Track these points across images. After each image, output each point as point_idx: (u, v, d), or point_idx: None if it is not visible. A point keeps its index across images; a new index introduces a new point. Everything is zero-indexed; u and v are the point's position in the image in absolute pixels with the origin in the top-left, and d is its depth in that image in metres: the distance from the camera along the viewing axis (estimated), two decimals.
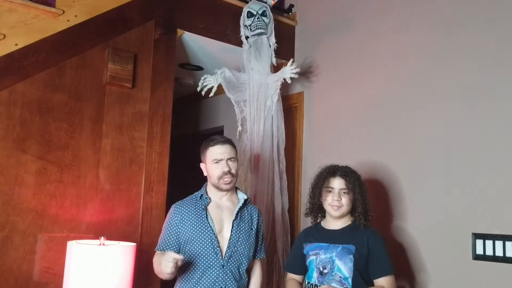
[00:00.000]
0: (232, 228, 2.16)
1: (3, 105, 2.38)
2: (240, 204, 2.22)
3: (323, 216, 2.32)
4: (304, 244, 2.28)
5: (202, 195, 2.22)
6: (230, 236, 2.14)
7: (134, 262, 2.22)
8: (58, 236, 2.45)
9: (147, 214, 2.72)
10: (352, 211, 2.24)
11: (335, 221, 2.25)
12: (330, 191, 2.22)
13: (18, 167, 2.39)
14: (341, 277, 2.09)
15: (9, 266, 2.31)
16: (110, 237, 2.34)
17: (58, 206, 2.48)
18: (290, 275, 2.35)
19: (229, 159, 2.19)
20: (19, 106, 2.42)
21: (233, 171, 2.19)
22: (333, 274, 2.11)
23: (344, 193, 2.20)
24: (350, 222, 2.24)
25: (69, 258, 2.15)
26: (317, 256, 2.18)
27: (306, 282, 2.23)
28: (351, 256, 2.10)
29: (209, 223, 2.13)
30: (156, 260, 2.12)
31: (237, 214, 2.19)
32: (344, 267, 2.10)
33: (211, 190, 2.24)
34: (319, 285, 2.13)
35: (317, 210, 2.32)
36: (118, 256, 2.15)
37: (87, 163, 2.59)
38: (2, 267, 2.30)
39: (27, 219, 2.38)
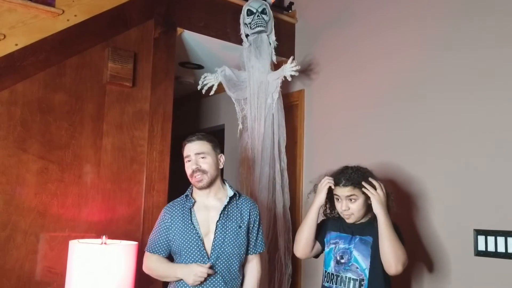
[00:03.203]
0: (216, 229, 2.10)
1: (4, 105, 2.39)
2: (225, 203, 2.15)
3: None
4: (328, 231, 2.28)
5: (187, 195, 2.19)
6: (214, 238, 2.09)
7: (136, 261, 2.23)
8: (60, 235, 2.46)
9: (149, 213, 2.73)
10: (367, 209, 2.19)
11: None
12: (338, 199, 2.21)
13: (19, 167, 2.39)
14: (357, 267, 2.10)
15: (11, 265, 2.32)
16: (112, 236, 2.36)
17: (60, 205, 2.48)
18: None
19: (198, 154, 2.13)
20: (20, 106, 2.43)
21: (203, 167, 2.12)
22: (350, 264, 2.12)
23: (352, 200, 2.16)
24: (368, 218, 2.21)
25: (71, 257, 2.16)
26: (336, 245, 2.20)
27: (324, 271, 2.23)
28: (369, 248, 2.11)
29: (193, 225, 2.10)
30: (157, 264, 2.14)
31: (220, 215, 2.12)
32: (361, 258, 2.11)
33: (195, 190, 2.20)
34: (336, 274, 2.14)
35: (335, 210, 2.29)
36: (120, 255, 2.16)
37: (88, 162, 2.60)
38: (4, 267, 2.30)
39: (28, 219, 2.39)
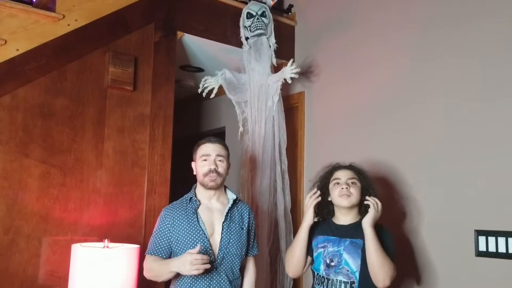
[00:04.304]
0: (222, 230, 2.16)
1: (6, 110, 2.40)
2: (229, 205, 2.22)
3: (332, 214, 2.29)
4: (316, 236, 2.27)
5: (191, 197, 2.21)
6: (221, 238, 2.14)
7: (138, 264, 2.24)
8: (62, 239, 2.47)
9: (150, 216, 2.73)
10: (360, 207, 2.22)
11: (344, 217, 2.23)
12: (337, 183, 2.21)
13: (21, 172, 2.40)
14: (348, 270, 2.09)
15: (14, 269, 2.33)
16: (114, 239, 2.36)
17: (62, 209, 2.49)
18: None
19: (218, 156, 2.21)
20: (21, 111, 2.44)
21: (219, 169, 2.20)
22: (340, 267, 2.11)
23: (352, 183, 2.19)
24: (358, 219, 2.21)
25: (73, 261, 2.17)
26: (325, 248, 2.19)
27: (315, 273, 2.22)
28: (359, 251, 2.11)
29: (200, 227, 2.13)
30: (153, 264, 2.13)
31: (226, 216, 2.19)
32: (351, 261, 2.10)
33: (200, 191, 2.24)
34: (326, 277, 2.13)
35: (327, 210, 2.30)
36: (122, 258, 2.17)
37: (89, 166, 2.61)
38: (8, 271, 2.31)
39: (31, 223, 2.40)
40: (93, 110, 2.65)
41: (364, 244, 2.11)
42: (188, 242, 2.11)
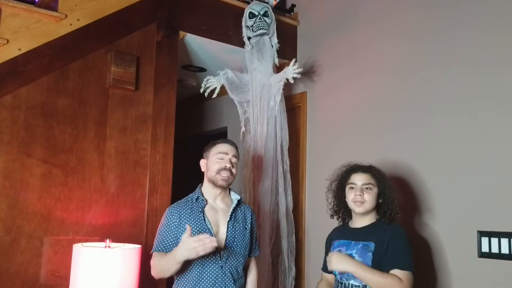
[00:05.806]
0: (227, 229, 2.19)
1: (8, 110, 2.40)
2: (234, 205, 2.25)
3: (350, 217, 2.29)
4: (332, 242, 2.28)
5: (198, 197, 2.24)
6: (226, 237, 2.17)
7: (139, 264, 2.24)
8: (64, 239, 2.47)
9: (152, 216, 2.73)
10: (378, 208, 2.21)
11: (360, 220, 2.21)
12: (352, 188, 2.20)
13: (23, 171, 2.40)
14: None
15: (16, 269, 2.33)
16: (116, 239, 2.36)
17: (64, 209, 2.49)
18: (324, 275, 2.35)
19: (234, 157, 2.26)
20: (23, 110, 2.44)
21: (233, 170, 2.25)
22: None
23: (367, 188, 2.17)
24: (375, 220, 2.21)
25: (75, 261, 2.17)
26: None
27: (335, 278, 2.21)
28: (370, 254, 2.08)
29: (207, 225, 2.15)
30: (157, 260, 2.12)
31: (231, 215, 2.22)
32: None
33: (206, 191, 2.26)
34: (340, 281, 2.12)
35: (343, 210, 2.29)
36: (124, 258, 2.17)
37: (91, 166, 2.61)
38: (9, 271, 2.31)
39: (33, 223, 2.40)
40: (95, 110, 2.65)
41: (375, 247, 2.08)
42: None
